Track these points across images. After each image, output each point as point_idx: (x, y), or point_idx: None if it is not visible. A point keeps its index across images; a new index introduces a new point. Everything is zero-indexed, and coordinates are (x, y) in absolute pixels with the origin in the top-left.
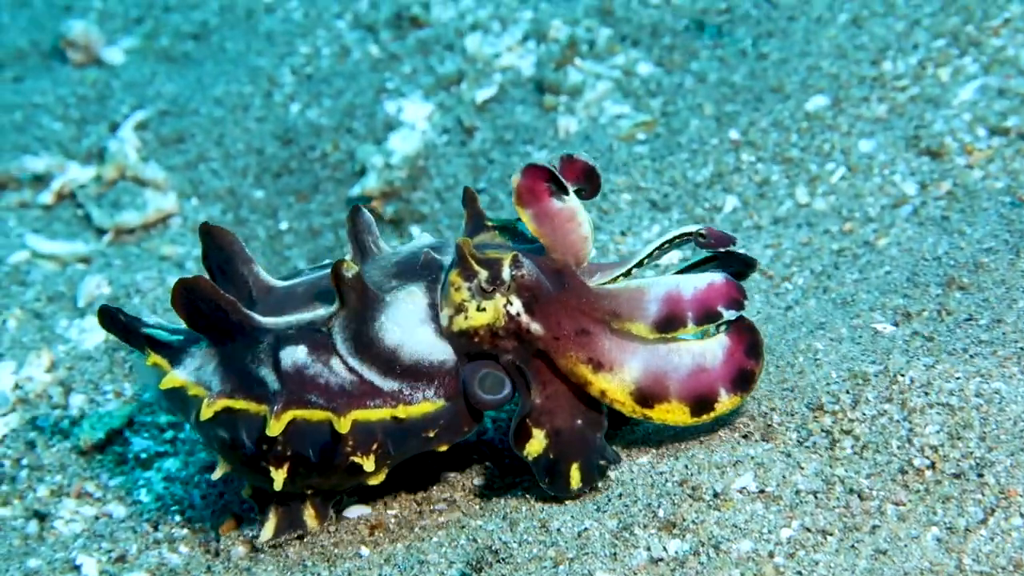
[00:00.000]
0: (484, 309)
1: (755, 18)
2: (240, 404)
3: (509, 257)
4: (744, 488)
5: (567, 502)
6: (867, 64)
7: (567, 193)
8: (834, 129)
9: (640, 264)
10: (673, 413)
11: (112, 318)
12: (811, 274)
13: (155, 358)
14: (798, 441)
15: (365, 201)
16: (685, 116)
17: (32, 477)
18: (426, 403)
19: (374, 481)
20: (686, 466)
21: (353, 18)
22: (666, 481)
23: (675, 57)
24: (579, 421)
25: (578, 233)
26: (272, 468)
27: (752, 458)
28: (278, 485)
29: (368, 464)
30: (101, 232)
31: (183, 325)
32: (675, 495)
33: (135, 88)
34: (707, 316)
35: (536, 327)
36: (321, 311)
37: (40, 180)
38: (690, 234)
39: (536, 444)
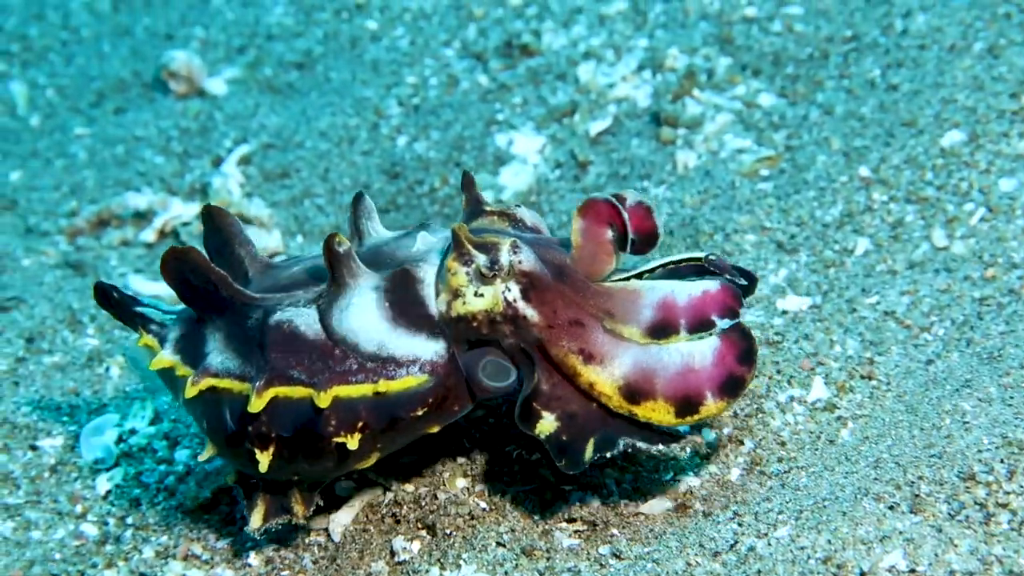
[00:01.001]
0: (482, 295)
1: (883, 47)
2: (224, 383)
3: (508, 242)
4: (893, 567)
5: None
6: (1006, 97)
7: (623, 247)
8: (972, 167)
9: (639, 276)
10: (658, 412)
11: (106, 295)
12: (952, 324)
13: (146, 339)
14: (949, 514)
15: None
16: (811, 151)
17: (137, 537)
18: (409, 378)
19: (363, 465)
20: (829, 541)
21: (461, 46)
22: (808, 558)
23: (799, 88)
24: (593, 404)
25: (604, 269)
26: (257, 450)
27: (900, 533)
28: (263, 467)
29: (352, 443)
30: None
31: (180, 306)
32: (818, 574)
33: (238, 120)
34: (700, 324)
35: (532, 313)
36: (313, 287)
37: (142, 217)
38: (697, 259)
39: (547, 425)
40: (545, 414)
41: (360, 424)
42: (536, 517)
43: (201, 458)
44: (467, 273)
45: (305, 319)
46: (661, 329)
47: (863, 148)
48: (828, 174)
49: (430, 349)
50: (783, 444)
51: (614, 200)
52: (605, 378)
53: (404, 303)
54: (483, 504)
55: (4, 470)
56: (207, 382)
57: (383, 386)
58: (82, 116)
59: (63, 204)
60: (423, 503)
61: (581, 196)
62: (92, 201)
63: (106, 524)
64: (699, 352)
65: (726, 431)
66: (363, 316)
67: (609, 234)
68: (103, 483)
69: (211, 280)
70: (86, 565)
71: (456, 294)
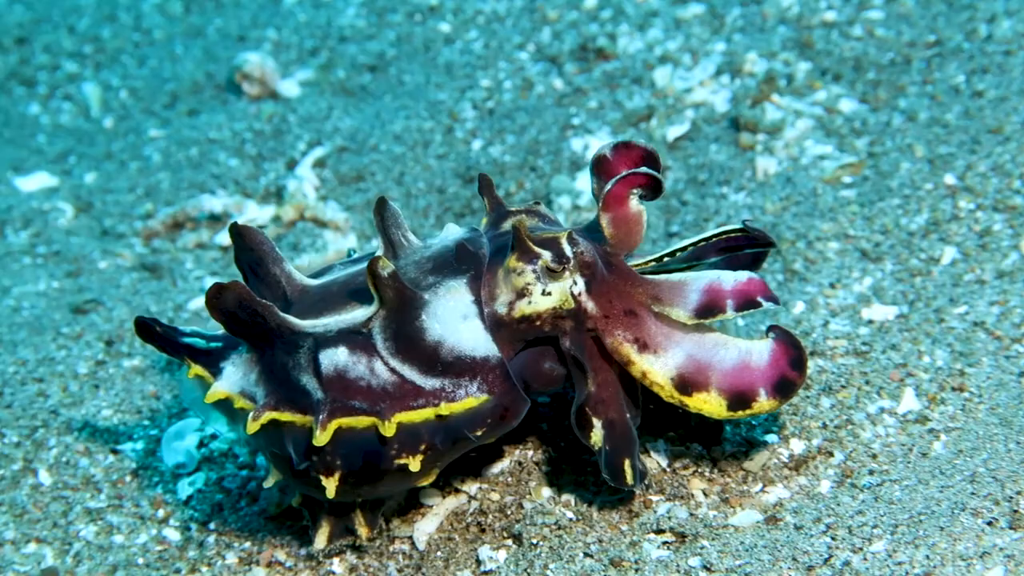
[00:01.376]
0: (550, 293)
1: (967, 52)
2: (286, 416)
3: (564, 235)
4: None
5: None
6: None
7: (654, 197)
8: None
9: (672, 254)
10: (709, 404)
11: (149, 329)
12: None
13: (196, 369)
14: None
15: None
16: (894, 158)
17: (220, 543)
18: (470, 399)
19: (423, 483)
20: (927, 557)
21: (536, 49)
22: (906, 573)
23: (881, 93)
24: (628, 414)
25: (640, 235)
26: (322, 477)
27: (1001, 549)
28: (330, 494)
29: (414, 464)
30: None
31: (221, 330)
32: None
33: (312, 123)
34: (747, 304)
35: (591, 306)
36: (359, 311)
37: (217, 219)
38: (731, 233)
39: (596, 434)
40: (595, 421)
41: (423, 446)
42: (624, 527)
43: (266, 484)
44: (533, 271)
45: (357, 346)
46: (708, 310)
47: (948, 155)
48: (912, 181)
49: (487, 370)
50: (874, 456)
51: (632, 178)
52: (658, 368)
53: (459, 315)
54: (570, 514)
55: (86, 474)
56: (268, 415)
57: (445, 409)
58: (156, 118)
59: (138, 206)
60: (509, 512)
61: (660, 202)
62: (167, 203)
63: (189, 529)
64: (756, 351)
65: (815, 442)
66: (416, 339)
67: (633, 206)
68: (185, 488)
69: (258, 312)
70: (169, 570)
71: (521, 294)
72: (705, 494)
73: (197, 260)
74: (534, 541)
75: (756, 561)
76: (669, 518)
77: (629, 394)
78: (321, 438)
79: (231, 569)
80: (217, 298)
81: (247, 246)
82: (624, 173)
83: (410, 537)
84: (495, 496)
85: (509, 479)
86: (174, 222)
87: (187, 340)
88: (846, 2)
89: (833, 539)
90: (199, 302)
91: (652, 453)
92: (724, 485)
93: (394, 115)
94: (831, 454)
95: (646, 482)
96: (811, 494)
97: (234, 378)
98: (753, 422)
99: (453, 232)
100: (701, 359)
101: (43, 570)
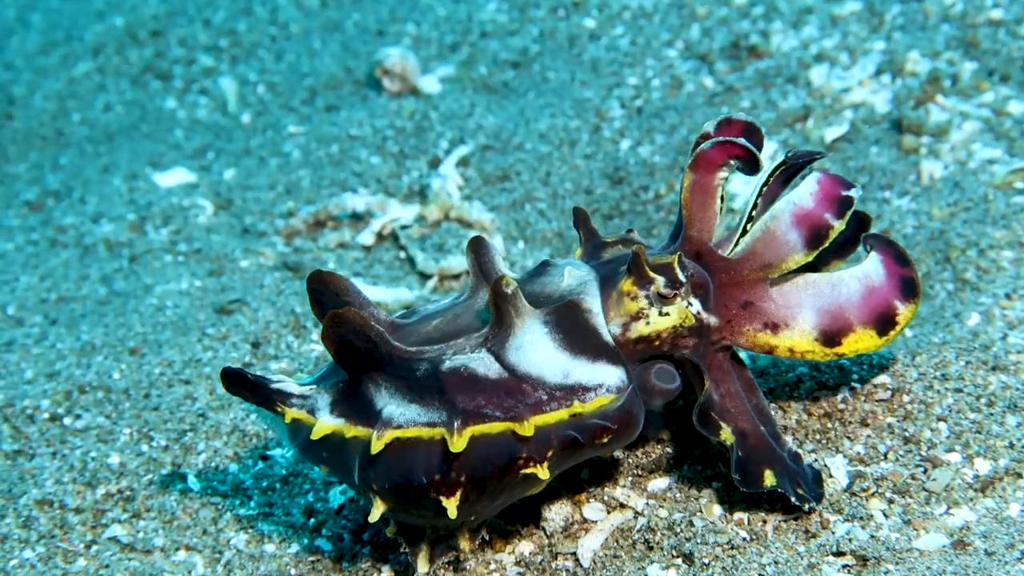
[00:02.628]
0: (668, 313)
1: None
2: (412, 432)
3: (675, 259)
4: None
5: None
6: None
7: (751, 172)
8: None
9: (751, 218)
10: (862, 341)
11: (240, 380)
12: None
13: (293, 413)
14: None
15: None
16: None
17: (375, 554)
18: (600, 398)
19: (535, 491)
20: None
21: (684, 47)
22: None
23: None
24: (762, 428)
25: (714, 211)
26: (443, 498)
27: None
28: (452, 513)
29: (542, 472)
30: (425, 277)
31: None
32: None
33: (454, 120)
34: (842, 206)
35: (713, 320)
36: (474, 333)
37: (359, 219)
38: (778, 170)
39: (727, 434)
40: (723, 424)
41: (550, 453)
42: (800, 549)
43: (372, 518)
44: (646, 296)
45: (481, 362)
46: (817, 235)
47: None
48: None
49: (614, 375)
50: None
51: (728, 146)
52: (799, 337)
53: (576, 333)
54: (743, 533)
55: (235, 480)
56: (391, 434)
57: (578, 407)
58: (294, 114)
59: (279, 204)
60: (678, 530)
61: None
62: (308, 201)
63: (342, 540)
64: (872, 270)
65: (1002, 463)
66: (541, 351)
67: (719, 176)
68: (337, 497)
69: (371, 339)
70: None
71: (637, 316)
72: (885, 515)
73: (339, 260)
74: (706, 561)
75: None
76: (849, 540)
77: (757, 409)
78: (458, 443)
79: None
80: (336, 326)
81: (333, 291)
82: (721, 138)
83: (574, 553)
84: (663, 512)
85: (677, 495)
86: (315, 221)
87: (276, 385)
88: (1013, 0)
89: None
90: None
91: (832, 470)
92: (906, 506)
93: (539, 113)
94: (1020, 475)
95: (819, 505)
96: (999, 518)
97: (337, 411)
98: (929, 435)
99: (556, 271)
100: (830, 307)
101: None
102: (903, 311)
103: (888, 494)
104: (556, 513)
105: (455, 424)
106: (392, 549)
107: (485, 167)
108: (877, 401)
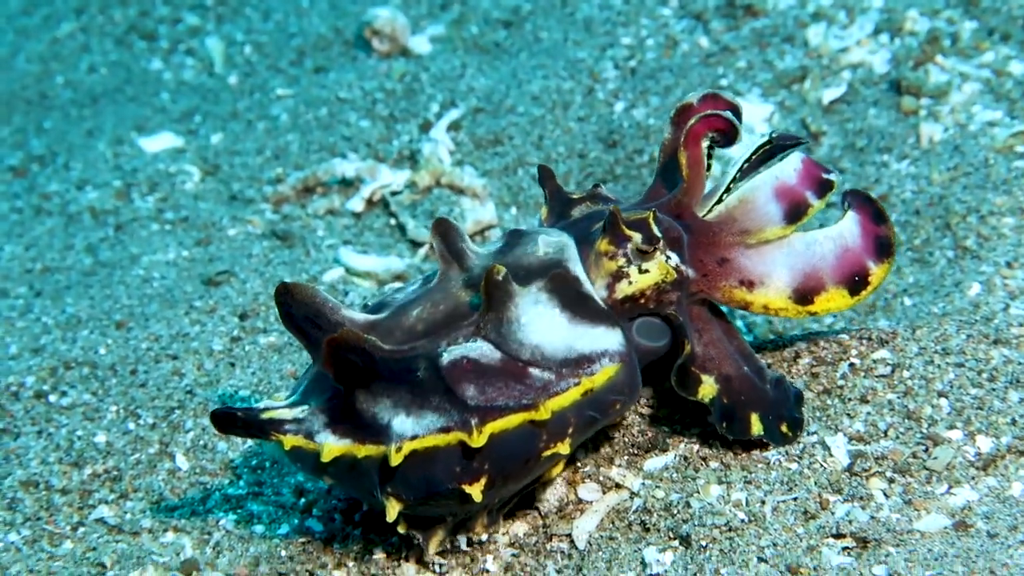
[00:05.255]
0: (648, 270)
1: None
2: (429, 442)
3: (650, 214)
4: None
5: None
6: None
7: (725, 145)
8: None
9: (728, 189)
10: (834, 300)
11: (231, 420)
12: None
13: (291, 440)
14: None
15: None
16: None
17: (367, 536)
18: (606, 369)
19: (558, 468)
20: None
21: (679, 5)
22: None
23: None
24: (745, 368)
25: (704, 179)
26: (466, 486)
27: None
28: (477, 498)
29: (564, 448)
30: (416, 245)
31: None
32: None
33: (445, 82)
34: (822, 187)
35: (691, 272)
36: (463, 322)
37: (349, 184)
38: (763, 148)
39: (708, 388)
40: (704, 377)
41: (570, 430)
42: (800, 530)
43: (389, 518)
44: (624, 255)
45: (480, 351)
46: (796, 210)
47: None
48: None
49: (613, 340)
50: None
51: (714, 119)
52: (774, 295)
53: (570, 304)
54: (741, 515)
55: (224, 459)
56: (408, 447)
57: (588, 383)
58: (282, 75)
59: (267, 169)
60: (675, 511)
61: None
62: (297, 167)
63: (333, 520)
64: (846, 229)
65: (1004, 440)
66: (540, 329)
67: (704, 148)
68: None
69: (366, 350)
70: (315, 564)
71: (618, 276)
72: (886, 495)
73: (329, 227)
74: (703, 543)
75: (949, 572)
76: (849, 521)
77: (739, 351)
78: (479, 440)
79: (379, 564)
80: (335, 350)
81: (301, 302)
82: (706, 112)
83: (569, 535)
84: (660, 493)
85: (674, 475)
86: (304, 187)
87: (268, 415)
88: None
89: None
90: (335, 273)
91: (832, 450)
92: (906, 485)
93: (531, 74)
94: (1022, 453)
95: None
96: (1002, 497)
97: (340, 431)
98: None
99: (529, 240)
100: (804, 266)
101: (183, 561)
102: (876, 271)
103: (889, 473)
104: (551, 494)
105: (472, 423)
106: (385, 531)
107: (477, 131)
108: (877, 377)
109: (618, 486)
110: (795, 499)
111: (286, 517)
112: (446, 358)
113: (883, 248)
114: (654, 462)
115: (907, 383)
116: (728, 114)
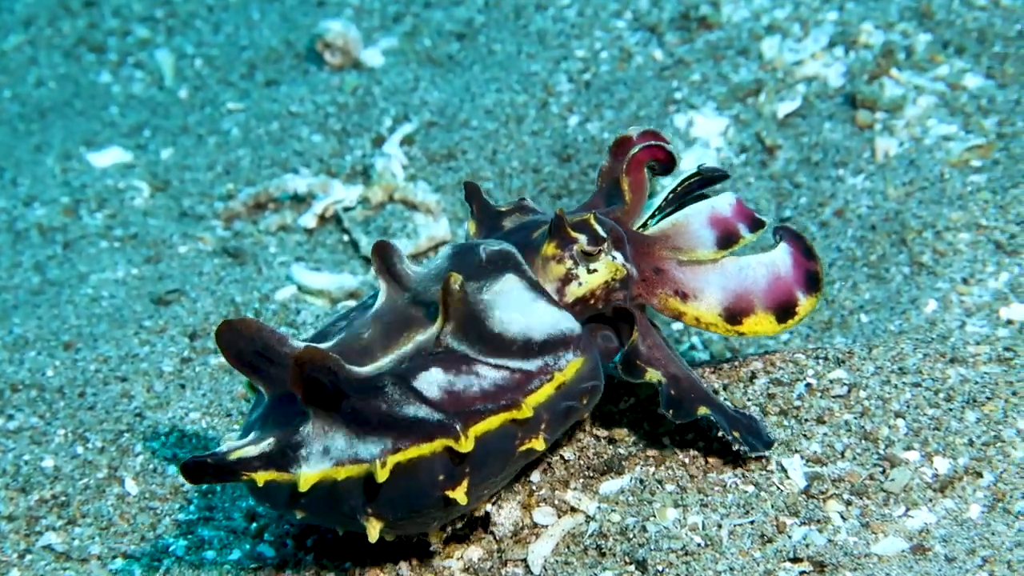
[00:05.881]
0: (596, 270)
1: None
2: (412, 453)
3: (592, 216)
4: None
5: None
6: None
7: (663, 173)
8: None
9: (660, 209)
10: (761, 324)
11: (199, 471)
12: None
13: (264, 476)
14: None
15: None
16: None
17: (319, 562)
18: (573, 362)
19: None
20: None
21: (633, 17)
22: None
23: (1008, 68)
24: (692, 373)
25: (645, 202)
26: (450, 492)
27: None
28: (463, 501)
29: (539, 445)
30: (369, 262)
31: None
32: None
33: (398, 95)
34: (754, 223)
35: (635, 272)
36: (420, 336)
37: (301, 200)
38: (692, 179)
39: (653, 374)
40: (650, 369)
41: (543, 426)
42: (756, 555)
43: (371, 539)
44: (571, 257)
45: (448, 360)
46: (728, 240)
47: None
48: None
49: (575, 324)
50: None
51: (655, 149)
52: (705, 309)
53: (525, 299)
54: (697, 538)
55: (175, 483)
56: (392, 460)
57: (559, 377)
58: (233, 89)
59: (218, 185)
60: (631, 535)
61: (771, 184)
62: (248, 182)
63: (285, 545)
64: (779, 260)
65: (961, 461)
66: (502, 326)
67: (648, 173)
68: None
69: (331, 369)
70: None
71: (567, 279)
72: (843, 517)
73: (281, 244)
74: (660, 568)
75: None
76: (806, 545)
77: (684, 364)
78: (467, 445)
79: None
80: (306, 368)
81: (247, 337)
82: (651, 142)
83: (524, 560)
84: (615, 517)
85: (630, 498)
86: (256, 203)
87: (235, 456)
88: None
89: (991, 575)
90: (287, 292)
91: (789, 472)
92: (864, 508)
93: (485, 87)
94: (980, 474)
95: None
96: (960, 520)
97: (315, 457)
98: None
99: (442, 252)
100: (736, 288)
101: None
102: (804, 303)
103: (846, 495)
104: (505, 518)
105: (456, 428)
106: (337, 556)
107: (430, 145)
108: (834, 397)
109: (573, 510)
110: (752, 522)
111: (237, 542)
112: (417, 374)
113: (813, 282)
114: (610, 485)
115: (864, 403)
116: (669, 145)
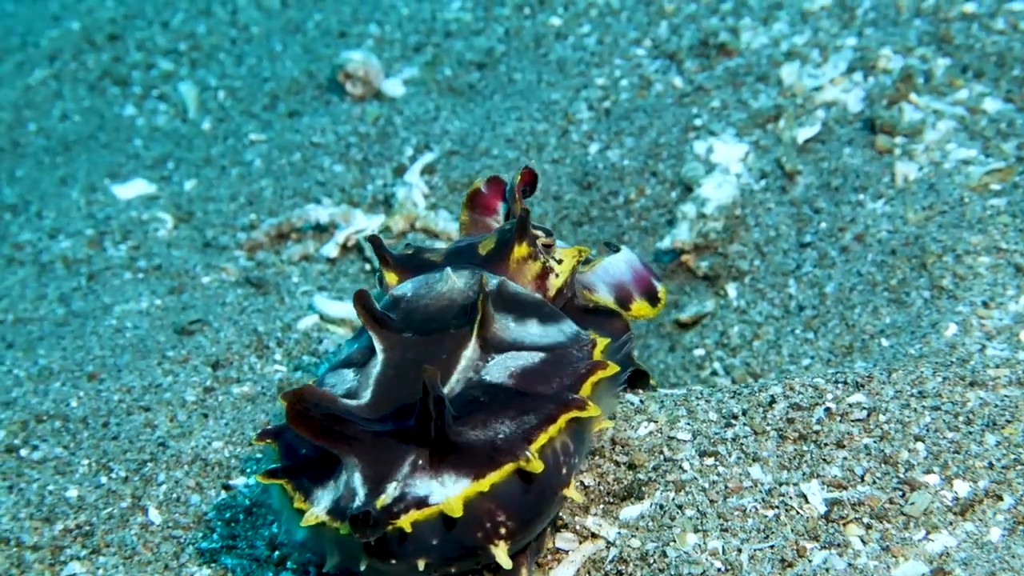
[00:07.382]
0: (561, 259)
1: None
2: (543, 437)
3: (527, 211)
4: None
5: None
6: None
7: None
8: None
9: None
10: (643, 308)
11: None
12: None
13: (413, 516)
14: None
15: (676, 256)
16: None
17: None
18: (602, 340)
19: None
20: None
21: (652, 45)
22: None
23: None
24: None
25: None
26: (492, 546)
27: None
28: (506, 564)
29: (573, 494)
30: None
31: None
32: None
33: (419, 125)
34: (648, 292)
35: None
36: (464, 351)
37: (323, 230)
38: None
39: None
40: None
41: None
42: None
43: (506, 564)
44: (540, 254)
45: (509, 353)
46: (623, 301)
47: None
48: None
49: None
50: None
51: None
52: (605, 298)
53: (532, 312)
54: (718, 563)
55: (198, 512)
56: (534, 446)
57: (602, 341)
58: (256, 120)
59: (241, 216)
60: (651, 560)
61: (791, 210)
62: (271, 213)
63: (308, 574)
64: (631, 258)
65: (982, 484)
66: (521, 347)
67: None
68: (301, 528)
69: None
70: None
71: (544, 274)
72: (863, 541)
73: (304, 274)
74: None
75: None
76: (827, 569)
77: None
78: (537, 465)
79: None
80: (304, 419)
81: (315, 404)
82: (521, 170)
83: None
84: (635, 543)
85: (650, 524)
86: (278, 233)
87: (379, 504)
88: None
89: None
90: (309, 321)
91: (809, 496)
92: (884, 532)
93: (505, 116)
94: (1000, 497)
95: None
96: (980, 543)
97: (438, 486)
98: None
99: (401, 288)
100: (613, 282)
101: None
102: (660, 289)
103: (866, 519)
104: None
105: (526, 453)
106: None
107: (451, 174)
108: (853, 421)
109: (594, 535)
110: (772, 547)
111: (260, 571)
112: (489, 369)
113: (655, 276)
114: (630, 511)
115: (883, 427)
116: (532, 165)
